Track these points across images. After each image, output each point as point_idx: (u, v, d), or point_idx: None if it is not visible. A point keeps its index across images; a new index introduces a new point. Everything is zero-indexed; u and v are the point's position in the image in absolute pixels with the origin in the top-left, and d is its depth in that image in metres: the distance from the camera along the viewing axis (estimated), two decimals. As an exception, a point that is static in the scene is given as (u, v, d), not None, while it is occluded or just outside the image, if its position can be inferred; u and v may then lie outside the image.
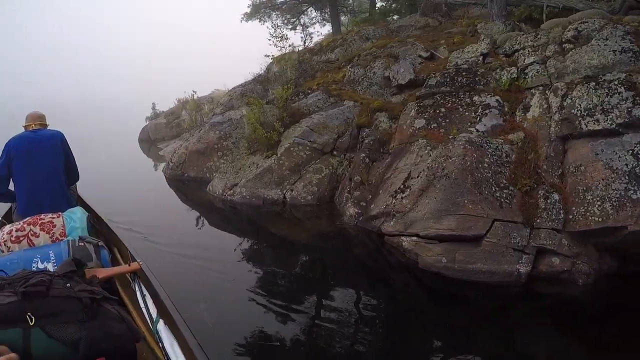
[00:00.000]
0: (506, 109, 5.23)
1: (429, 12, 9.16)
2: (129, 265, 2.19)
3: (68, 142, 3.14)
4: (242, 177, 6.45)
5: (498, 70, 5.49)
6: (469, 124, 5.20)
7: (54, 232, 2.28)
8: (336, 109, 6.58)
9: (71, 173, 3.18)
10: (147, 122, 15.18)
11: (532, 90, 5.19)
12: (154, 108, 15.74)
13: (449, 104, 5.47)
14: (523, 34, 5.75)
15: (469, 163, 4.28)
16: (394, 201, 4.73)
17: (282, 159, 6.23)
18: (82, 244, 2.11)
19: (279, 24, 13.50)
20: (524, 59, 5.44)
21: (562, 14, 6.24)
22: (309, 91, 7.71)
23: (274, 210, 5.93)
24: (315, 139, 6.35)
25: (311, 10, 14.34)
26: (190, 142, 8.03)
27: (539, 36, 5.49)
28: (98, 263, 2.12)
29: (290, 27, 14.20)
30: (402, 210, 4.60)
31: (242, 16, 14.78)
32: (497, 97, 5.30)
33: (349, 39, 8.89)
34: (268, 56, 13.56)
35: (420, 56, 6.58)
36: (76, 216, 2.42)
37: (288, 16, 14.32)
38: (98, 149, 12.57)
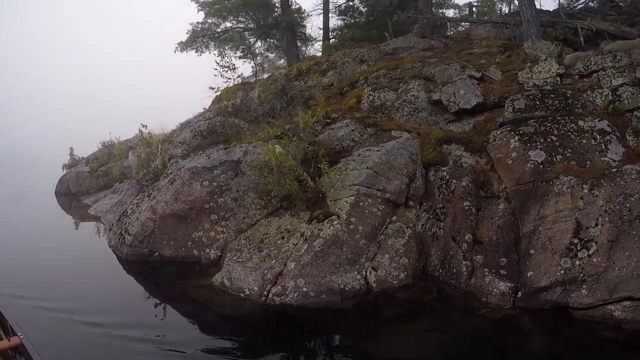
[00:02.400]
0: (617, 134, 4.66)
1: (428, 33, 8.62)
2: (9, 340, 2.24)
3: None
4: (283, 259, 4.16)
5: (588, 92, 4.98)
6: (597, 153, 4.37)
7: None
8: (394, 143, 4.99)
9: None
10: (65, 171, 12.20)
11: (636, 113, 4.78)
12: (72, 154, 12.70)
13: (555, 131, 4.57)
14: (598, 55, 5.27)
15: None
16: (574, 262, 3.37)
17: (351, 222, 4.19)
18: None
19: (226, 53, 11.82)
20: (610, 81, 4.96)
21: (596, 37, 6.27)
22: (328, 121, 6.11)
23: (358, 309, 3.82)
24: (385, 185, 4.58)
25: (256, 41, 13.08)
26: (160, 200, 5.28)
27: (617, 58, 5.10)
28: None
29: (238, 55, 12.67)
30: (594, 272, 3.27)
31: (177, 46, 13.10)
32: (606, 122, 4.68)
33: (338, 62, 7.67)
34: (213, 89, 11.65)
35: (471, 77, 5.52)
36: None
37: (228, 46, 12.75)
38: (5, 207, 9.89)
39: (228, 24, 12.98)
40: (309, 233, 4.28)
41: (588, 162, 4.17)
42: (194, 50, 13.02)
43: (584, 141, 4.37)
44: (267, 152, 4.93)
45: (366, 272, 4.09)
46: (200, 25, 12.95)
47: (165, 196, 5.29)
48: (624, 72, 4.89)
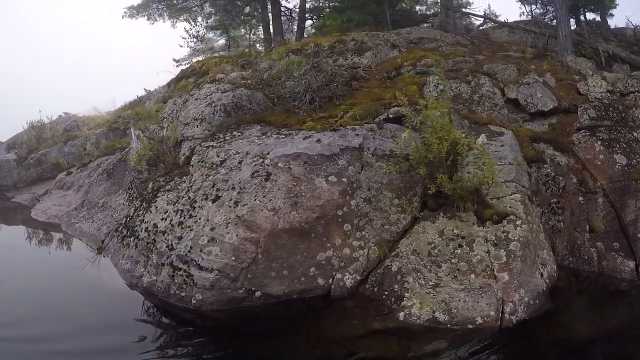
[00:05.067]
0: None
1: (451, 28, 8.69)
2: None
3: None
4: (485, 272, 3.54)
5: (633, 109, 5.87)
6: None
7: None
8: (506, 138, 4.96)
9: None
10: None
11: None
12: None
13: (621, 139, 5.40)
14: (634, 79, 6.36)
15: None
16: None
17: (529, 220, 4.02)
18: None
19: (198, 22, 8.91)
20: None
21: (609, 60, 7.53)
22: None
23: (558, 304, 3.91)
24: (523, 182, 4.59)
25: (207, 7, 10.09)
26: (257, 208, 3.42)
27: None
28: None
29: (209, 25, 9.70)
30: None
31: (125, 11, 11.05)
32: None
33: (368, 43, 6.83)
34: (177, 61, 10.69)
35: (536, 81, 5.90)
36: None
37: (183, 17, 9.86)
38: None
39: None
40: (494, 237, 3.91)
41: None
42: (146, 18, 10.99)
43: (643, 148, 5.57)
44: (408, 139, 4.06)
45: (540, 270, 4.15)
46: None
47: (270, 201, 3.69)
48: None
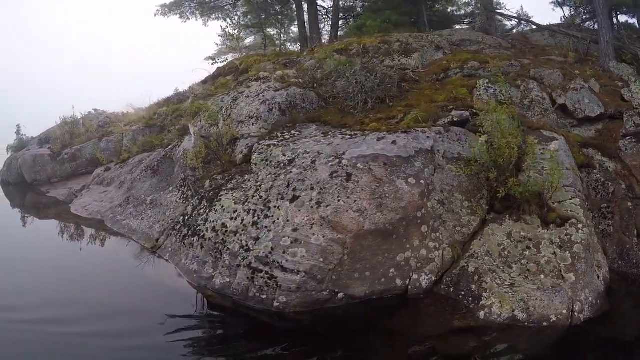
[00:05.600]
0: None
1: (492, 30, 8.78)
2: None
3: None
4: (553, 272, 3.68)
5: None
6: None
7: None
8: (560, 143, 5.14)
9: None
10: (11, 154, 10.56)
11: None
12: (19, 132, 11.07)
13: None
14: None
15: None
16: None
17: (588, 224, 4.28)
18: None
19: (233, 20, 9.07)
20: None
21: None
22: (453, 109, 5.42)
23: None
24: (577, 185, 4.78)
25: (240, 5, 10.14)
26: (341, 209, 3.48)
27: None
28: None
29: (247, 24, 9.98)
30: None
31: (158, 9, 11.20)
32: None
33: (413, 44, 6.88)
34: (213, 59, 10.77)
35: (582, 87, 6.10)
36: None
37: (215, 15, 10.57)
38: None
39: None
40: (558, 239, 4.05)
41: None
42: (178, 16, 11.22)
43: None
44: (481, 144, 4.15)
45: (597, 272, 4.32)
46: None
47: (355, 202, 3.74)
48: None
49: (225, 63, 9.46)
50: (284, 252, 3.64)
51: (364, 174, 3.90)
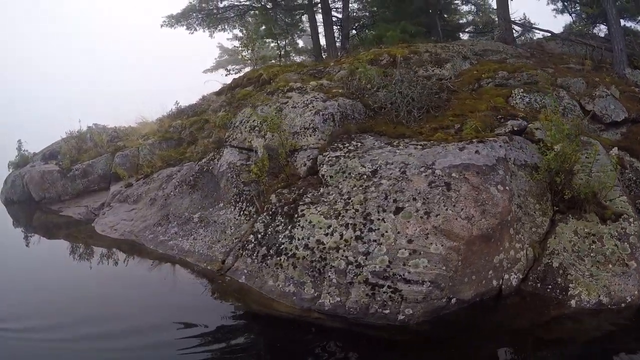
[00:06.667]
0: None
1: (510, 40, 9.12)
2: None
3: None
4: (618, 262, 4.17)
5: None
6: None
7: None
8: (598, 147, 5.71)
9: None
10: (12, 170, 10.11)
11: None
12: (20, 149, 10.23)
13: None
14: None
15: None
16: None
17: (637, 217, 4.81)
18: None
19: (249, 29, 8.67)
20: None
21: None
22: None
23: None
24: (619, 184, 5.39)
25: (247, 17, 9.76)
26: (450, 217, 3.59)
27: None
28: None
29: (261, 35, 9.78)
30: None
31: (165, 20, 11.25)
32: None
33: (442, 55, 7.19)
34: (228, 71, 10.72)
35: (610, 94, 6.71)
36: None
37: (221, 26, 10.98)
38: None
39: (234, 1, 11.39)
40: (616, 233, 4.64)
41: None
42: (185, 27, 11.29)
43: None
44: (553, 153, 4.57)
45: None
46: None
47: (462, 210, 3.91)
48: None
49: (240, 74, 9.31)
50: (404, 264, 3.69)
51: (461, 183, 4.10)
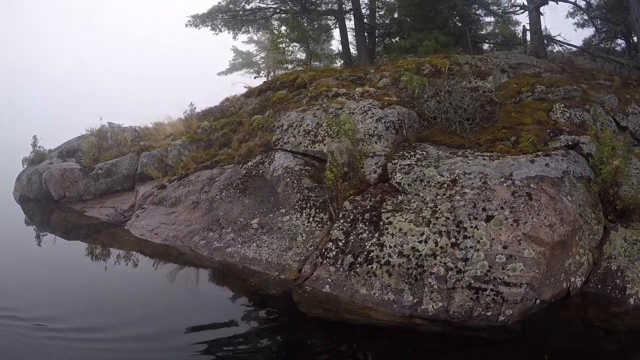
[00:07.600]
0: None
1: (543, 54, 9.47)
2: None
3: None
4: None
5: None
6: None
7: None
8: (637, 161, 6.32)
9: None
10: (27, 167, 9.68)
11: None
12: (35, 145, 9.76)
13: None
14: None
15: None
16: None
17: None
18: None
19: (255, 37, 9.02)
20: None
21: None
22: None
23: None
24: None
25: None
26: (536, 223, 3.85)
27: None
28: None
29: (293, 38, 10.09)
30: None
31: (190, 19, 11.17)
32: None
33: (482, 67, 7.50)
34: (258, 74, 10.47)
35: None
36: None
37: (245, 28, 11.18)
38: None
39: (261, 4, 11.42)
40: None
41: None
42: (210, 28, 11.28)
43: None
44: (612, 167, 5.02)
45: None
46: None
47: (546, 218, 4.24)
48: None
49: (271, 77, 9.25)
50: (502, 269, 3.95)
51: (540, 193, 4.44)
